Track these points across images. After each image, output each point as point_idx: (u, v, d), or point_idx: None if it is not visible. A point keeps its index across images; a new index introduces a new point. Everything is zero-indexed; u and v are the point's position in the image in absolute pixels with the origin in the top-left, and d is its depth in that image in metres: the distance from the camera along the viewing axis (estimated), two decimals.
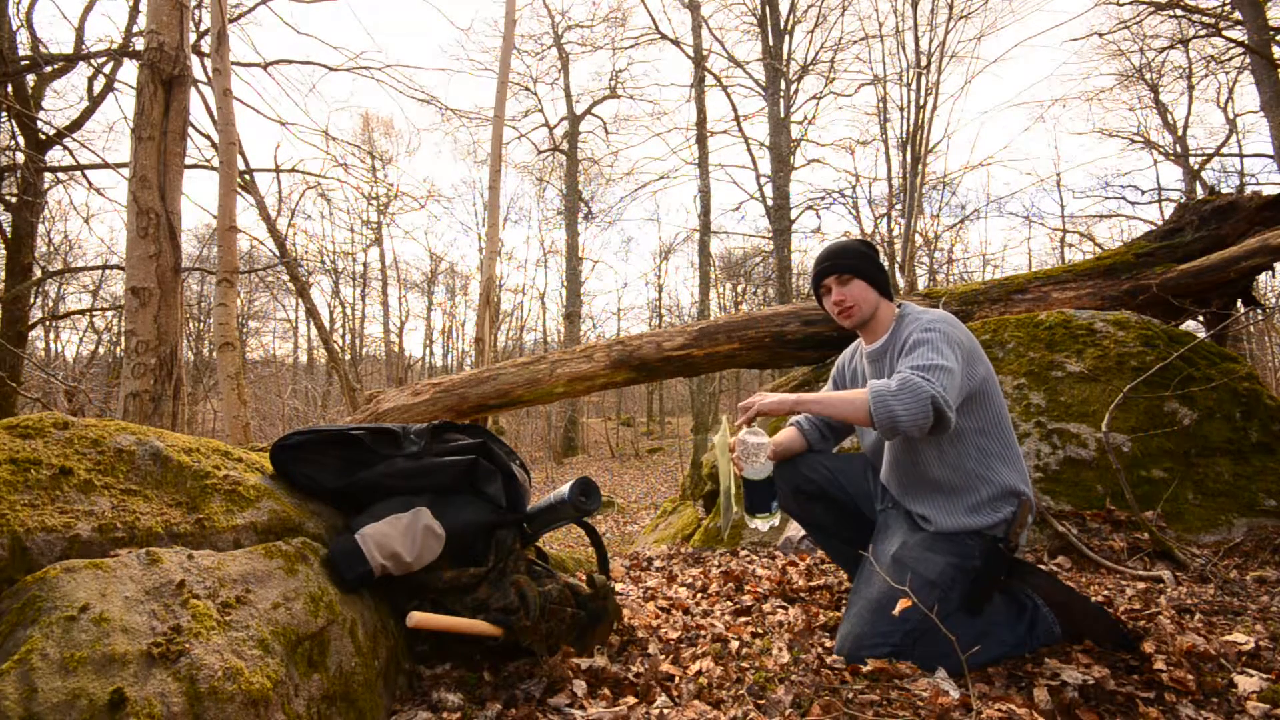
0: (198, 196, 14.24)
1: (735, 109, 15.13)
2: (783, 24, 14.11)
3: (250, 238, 10.35)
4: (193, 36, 5.57)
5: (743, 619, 1.92)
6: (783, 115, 13.73)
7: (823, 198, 16.39)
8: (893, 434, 1.47)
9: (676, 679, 1.49)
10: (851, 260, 1.77)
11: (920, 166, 10.73)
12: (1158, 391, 2.68)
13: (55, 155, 8.53)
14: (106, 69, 8.77)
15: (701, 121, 13.62)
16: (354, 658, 1.29)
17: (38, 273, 8.74)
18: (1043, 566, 2.22)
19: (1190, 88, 14.12)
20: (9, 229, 7.96)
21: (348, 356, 19.18)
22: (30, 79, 8.32)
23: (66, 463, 1.22)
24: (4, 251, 8.09)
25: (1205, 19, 10.24)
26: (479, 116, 13.53)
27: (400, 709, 1.36)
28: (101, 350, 13.48)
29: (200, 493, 1.34)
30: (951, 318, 1.68)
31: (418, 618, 1.40)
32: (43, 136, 8.16)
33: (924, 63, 10.71)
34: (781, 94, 13.82)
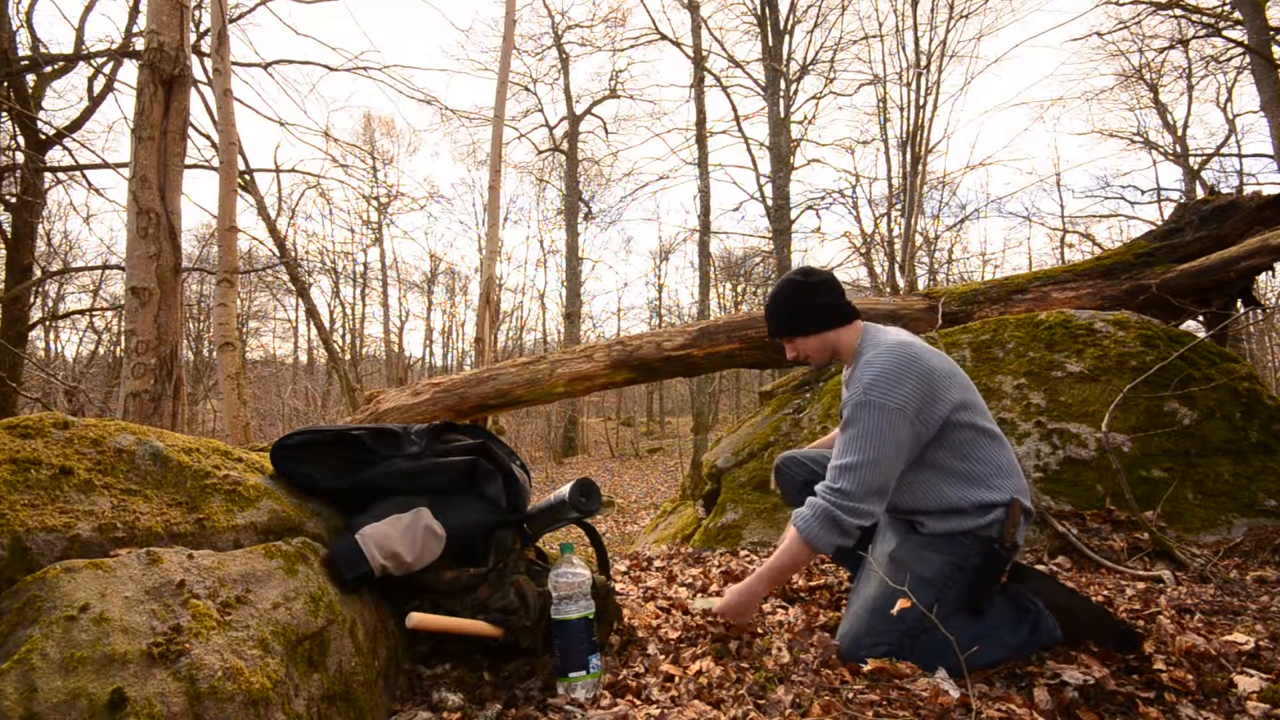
0: (198, 196, 14.28)
1: (735, 109, 15.13)
2: (783, 24, 14.10)
3: (250, 238, 10.36)
4: (193, 36, 5.57)
5: None
6: (782, 115, 13.72)
7: (823, 198, 16.39)
8: None
9: (676, 679, 1.49)
10: (780, 324, 1.79)
11: (920, 166, 10.73)
12: (1158, 391, 2.68)
13: (55, 155, 8.55)
14: (106, 69, 8.78)
15: (701, 122, 13.59)
16: (354, 658, 1.29)
17: (38, 273, 8.74)
18: (1042, 567, 2.22)
19: (1190, 88, 14.14)
20: (9, 229, 7.96)
21: (348, 356, 19.17)
22: (30, 79, 8.32)
23: (66, 463, 1.22)
24: (4, 251, 8.09)
25: (1205, 19, 10.25)
26: (479, 117, 13.54)
27: (400, 709, 1.36)
28: (101, 350, 13.49)
29: (200, 493, 1.34)
30: (899, 359, 1.58)
31: (417, 618, 1.40)
32: (43, 136, 8.15)
33: (924, 63, 10.71)
34: (781, 94, 13.81)
